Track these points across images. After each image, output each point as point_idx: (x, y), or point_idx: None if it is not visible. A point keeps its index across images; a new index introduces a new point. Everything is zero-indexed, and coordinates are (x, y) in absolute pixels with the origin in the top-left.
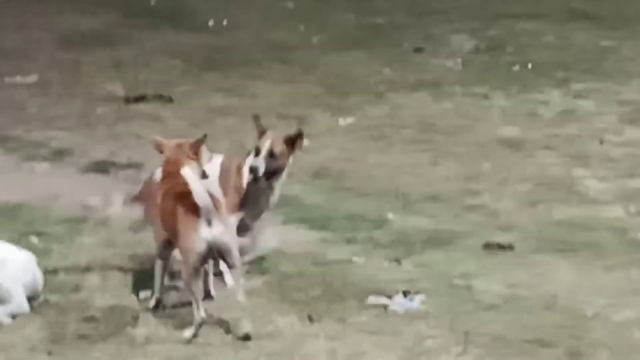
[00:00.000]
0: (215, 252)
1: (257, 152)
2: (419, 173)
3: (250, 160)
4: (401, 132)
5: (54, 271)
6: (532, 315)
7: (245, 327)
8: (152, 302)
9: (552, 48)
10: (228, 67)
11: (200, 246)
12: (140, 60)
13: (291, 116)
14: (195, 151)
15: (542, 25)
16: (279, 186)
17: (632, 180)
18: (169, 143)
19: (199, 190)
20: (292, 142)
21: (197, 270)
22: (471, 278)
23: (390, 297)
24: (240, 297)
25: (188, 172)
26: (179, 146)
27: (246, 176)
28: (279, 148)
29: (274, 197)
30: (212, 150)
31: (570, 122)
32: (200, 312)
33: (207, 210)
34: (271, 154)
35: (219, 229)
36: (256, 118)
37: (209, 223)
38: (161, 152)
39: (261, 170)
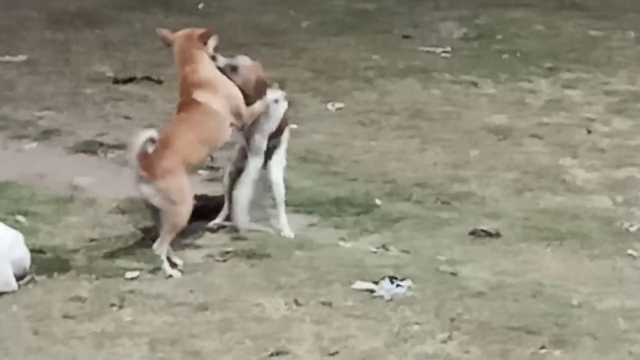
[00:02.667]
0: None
1: None
2: (406, 159)
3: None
4: (389, 118)
5: (41, 250)
6: (518, 303)
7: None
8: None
9: (541, 37)
10: (217, 50)
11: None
12: (129, 41)
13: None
14: (204, 41)
15: (531, 14)
16: None
17: (618, 171)
18: (177, 34)
19: (133, 149)
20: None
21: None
22: (458, 265)
23: (376, 282)
24: (286, 232)
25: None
26: (188, 37)
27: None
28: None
29: None
30: None
31: (558, 111)
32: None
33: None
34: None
35: (147, 190)
36: None
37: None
38: (169, 45)
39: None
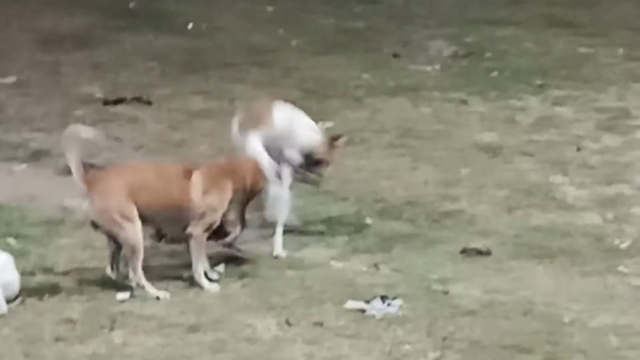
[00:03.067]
0: None
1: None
2: (397, 178)
3: None
4: (380, 136)
5: (32, 273)
6: (510, 321)
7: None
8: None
9: (531, 54)
10: (207, 70)
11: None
12: (119, 62)
13: None
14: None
15: (520, 32)
16: None
17: (609, 187)
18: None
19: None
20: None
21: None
22: (449, 283)
23: (368, 301)
24: (278, 252)
25: None
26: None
27: None
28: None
29: None
30: (190, 153)
31: (548, 128)
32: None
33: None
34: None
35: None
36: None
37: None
38: None
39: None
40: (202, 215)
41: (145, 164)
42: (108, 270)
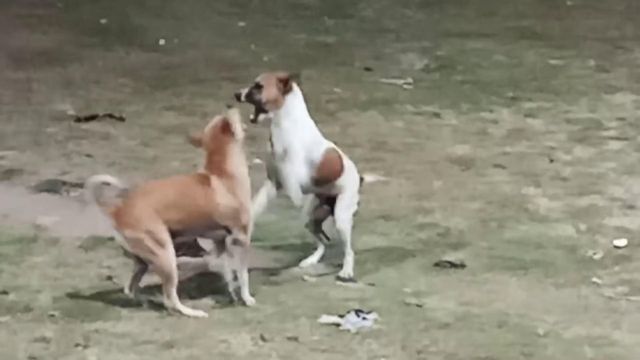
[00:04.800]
0: None
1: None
2: (370, 191)
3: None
4: (353, 150)
5: (4, 291)
6: (484, 333)
7: None
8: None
9: (502, 67)
10: (179, 85)
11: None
12: (91, 79)
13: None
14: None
15: (491, 44)
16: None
17: (581, 199)
18: (207, 132)
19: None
20: (285, 82)
21: None
22: (423, 296)
23: (342, 315)
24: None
25: None
26: (218, 128)
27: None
28: (266, 81)
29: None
30: (163, 169)
31: (520, 140)
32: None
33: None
34: (257, 85)
35: (119, 238)
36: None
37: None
38: (199, 145)
39: (243, 93)
40: (238, 219)
41: (161, 182)
42: (126, 290)
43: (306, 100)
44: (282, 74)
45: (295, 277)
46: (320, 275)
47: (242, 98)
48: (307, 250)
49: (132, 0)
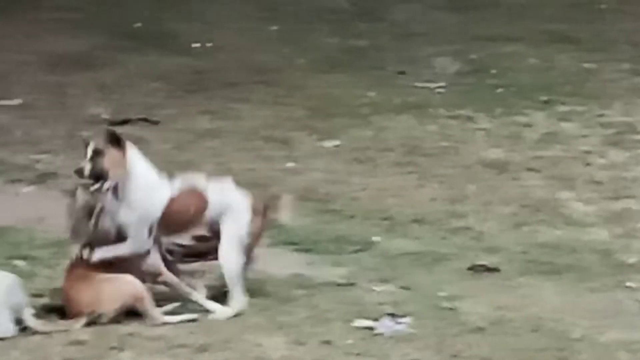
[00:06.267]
0: None
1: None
2: (404, 195)
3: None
4: (386, 154)
5: (40, 294)
6: (519, 338)
7: None
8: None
9: (535, 70)
10: (212, 89)
11: None
12: (124, 83)
13: (276, 139)
14: None
15: (524, 48)
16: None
17: (616, 203)
18: None
19: None
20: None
21: None
22: (457, 300)
23: (376, 319)
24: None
25: None
26: None
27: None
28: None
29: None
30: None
31: (554, 144)
32: None
33: None
34: (96, 152)
35: None
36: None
37: None
38: None
39: (86, 168)
40: None
41: None
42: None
43: (340, 104)
44: (110, 131)
45: (328, 281)
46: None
47: (86, 174)
48: (341, 253)
49: (165, 5)
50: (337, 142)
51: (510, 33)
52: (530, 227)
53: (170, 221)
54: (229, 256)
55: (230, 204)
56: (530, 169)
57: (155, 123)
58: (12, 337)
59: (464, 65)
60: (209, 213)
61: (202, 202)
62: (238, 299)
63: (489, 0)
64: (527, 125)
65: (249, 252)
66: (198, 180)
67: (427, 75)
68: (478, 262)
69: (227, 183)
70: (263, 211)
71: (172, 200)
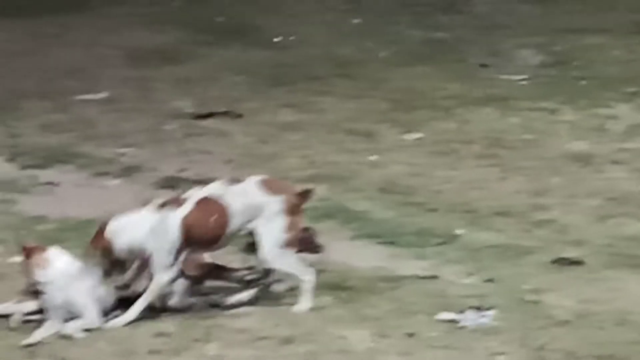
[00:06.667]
0: None
1: None
2: (487, 188)
3: None
4: (469, 147)
5: (125, 286)
6: (605, 331)
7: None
8: None
9: (620, 62)
10: (295, 82)
11: None
12: (207, 77)
13: (359, 132)
14: None
15: (608, 40)
16: None
17: None
18: None
19: None
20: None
21: None
22: (542, 293)
23: (460, 312)
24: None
25: None
26: None
27: None
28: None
29: None
30: (281, 166)
31: None
32: None
33: None
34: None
35: None
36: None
37: None
38: None
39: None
40: None
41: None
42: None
43: (422, 97)
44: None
45: (412, 274)
46: None
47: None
48: (424, 246)
49: None
50: (419, 135)
51: (594, 24)
52: (615, 220)
53: (192, 238)
54: (273, 255)
55: (258, 206)
56: (615, 162)
57: (239, 116)
58: (98, 329)
59: (547, 57)
60: (234, 220)
61: (221, 211)
62: (305, 279)
63: None
64: (612, 117)
65: (295, 244)
66: (211, 189)
67: (510, 68)
68: (562, 255)
69: (251, 185)
70: (298, 204)
71: (187, 217)
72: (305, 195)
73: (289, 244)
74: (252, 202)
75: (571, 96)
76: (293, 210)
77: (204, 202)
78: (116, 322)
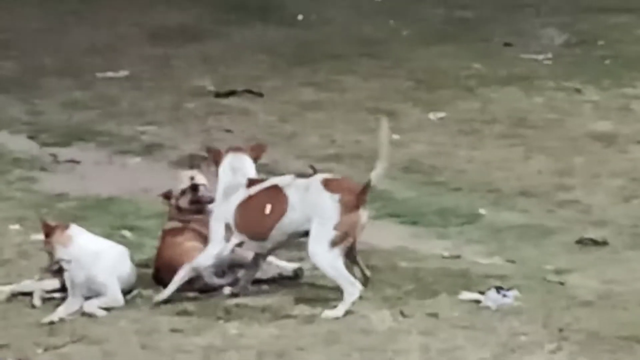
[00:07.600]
0: None
1: None
2: (510, 168)
3: None
4: (492, 126)
5: (147, 265)
6: (628, 312)
7: None
8: None
9: None
10: (317, 61)
11: None
12: (229, 55)
13: (381, 110)
14: None
15: (633, 19)
16: None
17: None
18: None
19: None
20: None
21: None
22: (565, 274)
23: (482, 292)
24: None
25: None
26: None
27: None
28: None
29: None
30: (302, 145)
31: None
32: None
33: None
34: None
35: None
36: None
37: None
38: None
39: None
40: None
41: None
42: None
43: (445, 76)
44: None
45: (434, 254)
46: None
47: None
48: (446, 226)
49: None
50: (442, 114)
51: (618, 4)
52: (639, 200)
53: (247, 220)
54: (317, 255)
55: (316, 206)
56: (639, 142)
57: (260, 95)
58: (121, 308)
59: (572, 36)
60: (290, 214)
61: (281, 201)
62: (348, 291)
63: None
64: (636, 97)
65: (347, 247)
66: (281, 179)
67: (534, 47)
68: (586, 236)
69: (314, 182)
70: (356, 204)
71: (249, 199)
72: (364, 192)
73: (338, 241)
74: (310, 197)
75: (595, 76)
76: (349, 208)
77: (268, 189)
78: (162, 294)
